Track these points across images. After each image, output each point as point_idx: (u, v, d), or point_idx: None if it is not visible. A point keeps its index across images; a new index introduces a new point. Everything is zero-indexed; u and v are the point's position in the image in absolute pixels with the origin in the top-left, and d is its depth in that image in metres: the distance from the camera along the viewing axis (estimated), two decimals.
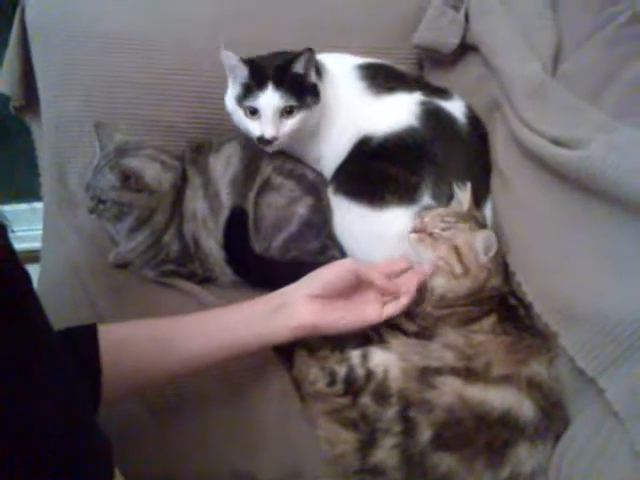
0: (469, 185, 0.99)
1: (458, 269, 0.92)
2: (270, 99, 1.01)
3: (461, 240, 0.93)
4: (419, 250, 0.95)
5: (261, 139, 1.04)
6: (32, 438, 0.46)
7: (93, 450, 0.55)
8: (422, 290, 0.95)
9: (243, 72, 1.03)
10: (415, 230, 0.96)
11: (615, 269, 0.76)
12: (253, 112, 1.04)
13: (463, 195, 0.98)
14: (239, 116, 1.06)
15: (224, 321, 0.83)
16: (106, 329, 0.74)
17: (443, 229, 0.94)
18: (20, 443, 0.45)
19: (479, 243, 0.91)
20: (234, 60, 1.02)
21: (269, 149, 1.07)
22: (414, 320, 0.93)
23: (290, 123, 1.04)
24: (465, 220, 0.96)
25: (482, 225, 0.99)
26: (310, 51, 1.01)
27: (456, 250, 0.92)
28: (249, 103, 1.03)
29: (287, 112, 1.03)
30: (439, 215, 0.97)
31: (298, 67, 1.02)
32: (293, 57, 1.02)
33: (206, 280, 1.10)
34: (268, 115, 1.02)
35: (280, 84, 1.01)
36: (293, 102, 1.02)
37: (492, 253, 0.91)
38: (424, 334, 0.91)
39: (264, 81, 1.02)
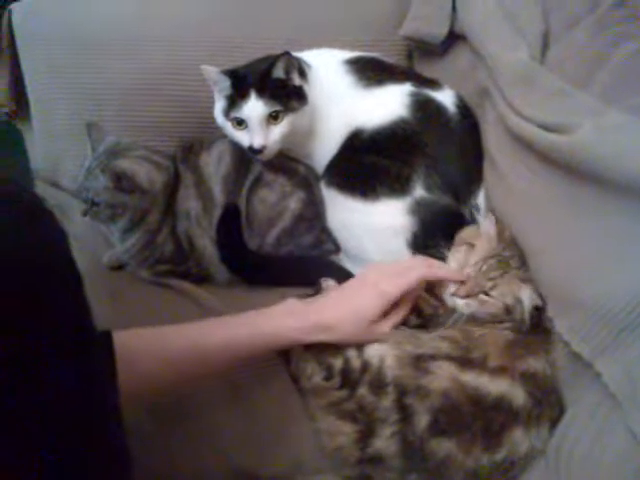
0: (492, 217, 0.95)
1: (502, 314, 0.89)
2: (254, 107, 1.01)
3: (510, 298, 0.88)
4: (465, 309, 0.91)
5: (251, 149, 1.03)
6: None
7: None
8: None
9: (225, 84, 1.03)
10: (463, 295, 0.90)
11: (608, 253, 0.76)
12: (240, 123, 1.03)
13: (488, 226, 0.94)
14: (228, 129, 1.06)
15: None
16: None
17: (491, 288, 0.89)
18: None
19: (526, 301, 0.87)
20: (214, 74, 1.02)
21: (262, 158, 1.06)
22: (422, 315, 0.93)
23: (278, 129, 1.03)
24: (508, 267, 0.90)
25: (521, 256, 0.92)
26: (287, 55, 1.01)
27: (506, 307, 0.89)
28: (234, 114, 1.03)
29: (273, 118, 1.02)
30: (483, 273, 0.90)
31: (278, 72, 1.01)
32: (271, 63, 1.01)
33: (201, 279, 1.10)
34: (254, 124, 1.02)
35: (262, 91, 1.01)
36: (278, 107, 1.02)
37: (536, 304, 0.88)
38: (425, 327, 0.91)
39: (246, 90, 1.01)
